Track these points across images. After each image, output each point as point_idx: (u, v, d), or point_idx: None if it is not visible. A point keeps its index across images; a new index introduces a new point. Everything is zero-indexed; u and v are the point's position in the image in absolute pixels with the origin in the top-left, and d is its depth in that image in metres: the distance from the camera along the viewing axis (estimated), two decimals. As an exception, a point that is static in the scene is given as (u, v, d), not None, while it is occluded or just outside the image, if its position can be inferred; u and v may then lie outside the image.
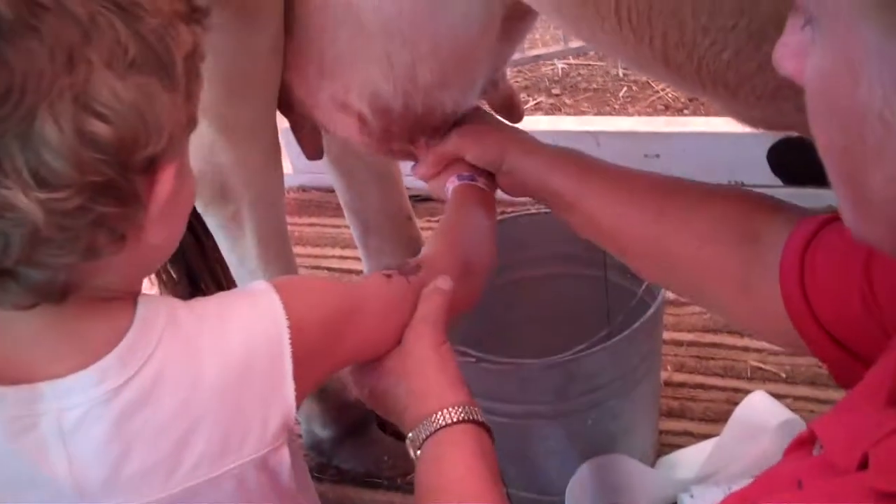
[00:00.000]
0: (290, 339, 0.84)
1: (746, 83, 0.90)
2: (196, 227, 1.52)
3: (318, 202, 2.57)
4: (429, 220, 2.31)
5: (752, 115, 1.02)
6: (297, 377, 0.84)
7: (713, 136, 2.20)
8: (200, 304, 0.87)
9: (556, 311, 1.70)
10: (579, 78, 3.18)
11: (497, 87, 1.43)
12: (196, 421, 0.80)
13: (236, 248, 1.50)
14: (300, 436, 1.75)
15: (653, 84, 3.00)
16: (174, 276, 1.59)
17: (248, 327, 0.83)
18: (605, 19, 0.89)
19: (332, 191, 2.50)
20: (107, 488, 0.77)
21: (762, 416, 1.56)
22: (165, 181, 0.75)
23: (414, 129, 1.28)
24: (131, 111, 0.70)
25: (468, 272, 1.10)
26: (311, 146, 1.48)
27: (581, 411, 1.43)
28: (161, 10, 0.73)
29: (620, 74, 3.10)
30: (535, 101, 3.07)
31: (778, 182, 2.16)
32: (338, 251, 2.37)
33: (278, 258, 1.53)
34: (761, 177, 2.17)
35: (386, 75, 1.24)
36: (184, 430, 0.79)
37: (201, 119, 1.36)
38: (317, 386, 0.87)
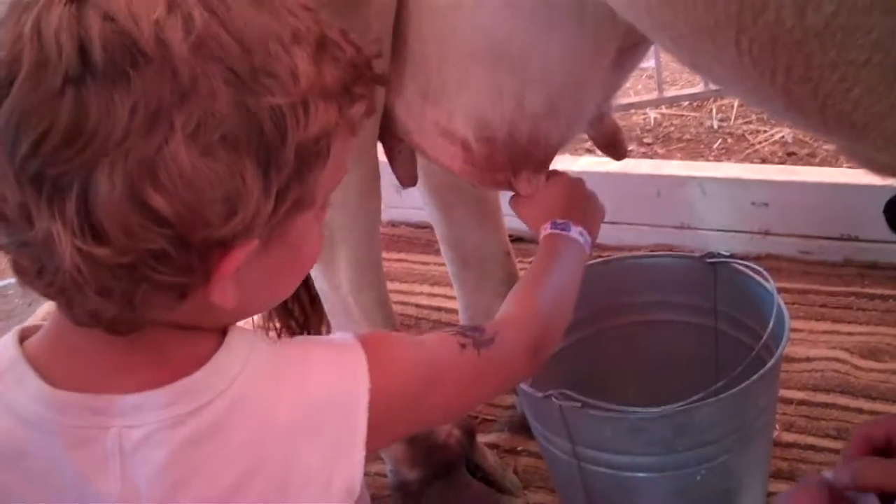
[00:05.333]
0: (369, 402, 0.80)
1: (875, 125, 0.83)
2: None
3: (407, 238, 2.54)
4: (521, 261, 2.25)
5: (877, 161, 0.95)
6: (368, 440, 0.80)
7: (827, 186, 2.10)
8: (286, 346, 0.84)
9: (657, 359, 1.62)
10: (672, 128, 3.09)
11: (602, 122, 1.38)
12: (261, 461, 0.76)
13: (328, 275, 1.45)
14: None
15: (748, 137, 2.90)
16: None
17: (331, 380, 0.80)
18: (722, 49, 0.82)
19: (422, 227, 2.50)
20: None
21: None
22: (234, 259, 0.70)
23: (517, 160, 1.24)
24: (199, 189, 0.65)
25: (537, 349, 1.04)
26: (406, 173, 1.45)
27: (690, 466, 1.35)
28: (314, 85, 0.69)
29: (715, 126, 3.01)
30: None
31: (895, 238, 2.05)
32: (426, 288, 2.33)
33: (371, 287, 1.48)
34: (876, 232, 2.06)
35: (493, 103, 1.20)
36: (247, 468, 0.75)
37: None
38: (384, 446, 0.87)
